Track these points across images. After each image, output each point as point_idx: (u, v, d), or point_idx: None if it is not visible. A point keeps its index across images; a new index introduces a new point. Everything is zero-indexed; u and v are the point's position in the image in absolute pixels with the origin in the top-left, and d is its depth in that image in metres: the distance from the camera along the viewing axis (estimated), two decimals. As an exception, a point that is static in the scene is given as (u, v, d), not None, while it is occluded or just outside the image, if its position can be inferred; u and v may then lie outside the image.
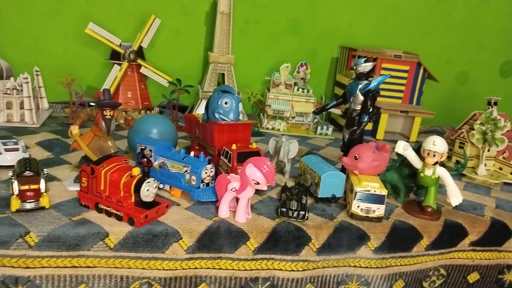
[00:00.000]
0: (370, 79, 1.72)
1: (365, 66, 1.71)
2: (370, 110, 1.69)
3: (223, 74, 2.72)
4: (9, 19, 2.58)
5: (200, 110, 2.61)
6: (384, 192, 1.52)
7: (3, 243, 1.22)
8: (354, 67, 1.74)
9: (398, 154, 1.72)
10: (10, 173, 1.40)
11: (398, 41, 3.15)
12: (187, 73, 2.81)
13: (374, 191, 1.51)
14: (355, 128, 1.75)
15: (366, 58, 1.73)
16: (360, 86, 1.71)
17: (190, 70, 2.91)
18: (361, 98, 1.71)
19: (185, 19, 2.82)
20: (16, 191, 1.34)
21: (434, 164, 1.58)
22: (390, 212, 1.65)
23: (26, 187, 1.33)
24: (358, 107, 1.73)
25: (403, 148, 1.64)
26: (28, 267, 1.23)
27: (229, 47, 2.64)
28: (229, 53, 2.66)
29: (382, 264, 1.55)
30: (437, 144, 1.55)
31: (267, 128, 2.70)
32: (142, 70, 2.55)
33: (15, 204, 1.32)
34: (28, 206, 1.33)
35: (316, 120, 2.77)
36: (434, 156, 1.56)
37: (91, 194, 1.39)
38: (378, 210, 1.53)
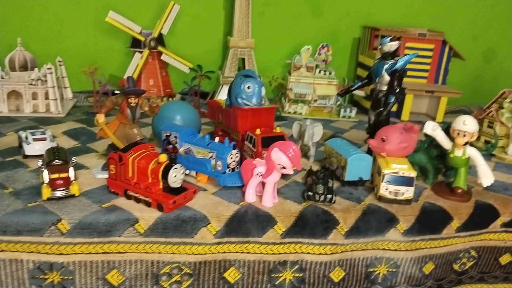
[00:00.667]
0: (396, 58, 1.68)
1: (391, 45, 1.67)
2: (397, 90, 1.65)
3: (243, 59, 2.70)
4: (31, 11, 2.60)
5: (221, 96, 2.61)
6: (413, 174, 1.49)
7: (37, 230, 1.25)
8: (379, 47, 1.69)
9: (426, 135, 1.68)
10: (40, 162, 1.43)
11: (422, 19, 3.06)
12: (207, 59, 2.80)
13: (403, 173, 1.49)
14: (382, 109, 1.71)
15: (391, 37, 1.68)
16: (385, 66, 1.67)
17: (210, 55, 2.89)
18: (387, 78, 1.67)
19: (204, 4, 2.80)
20: (46, 180, 1.37)
21: (464, 145, 1.53)
22: (418, 194, 1.62)
23: (56, 175, 1.35)
24: (384, 88, 1.70)
25: (432, 128, 1.59)
26: (61, 254, 1.26)
27: (249, 31, 2.61)
28: (249, 37, 2.63)
29: (411, 247, 1.53)
30: (467, 124, 1.51)
31: (289, 112, 2.68)
32: (163, 57, 2.55)
33: (46, 192, 1.34)
34: (59, 194, 1.35)
35: (338, 102, 2.72)
36: (464, 136, 1.52)
37: (119, 181, 1.40)
38: (407, 192, 1.51)
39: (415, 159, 1.69)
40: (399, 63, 1.64)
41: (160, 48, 2.52)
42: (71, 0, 2.63)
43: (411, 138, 1.58)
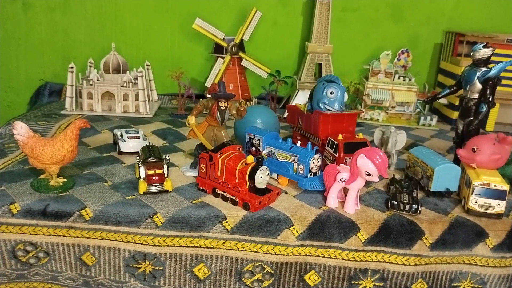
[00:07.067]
0: (489, 66, 1.61)
1: (484, 52, 1.60)
2: (490, 99, 1.58)
3: (320, 64, 2.71)
4: (123, 18, 2.81)
5: (297, 101, 2.63)
6: (505, 187, 1.42)
7: (134, 222, 1.35)
8: (471, 53, 1.63)
9: (519, 147, 1.59)
10: (137, 159, 1.54)
11: (511, 24, 2.88)
12: (284, 64, 2.85)
13: (495, 186, 1.42)
14: (472, 118, 1.65)
15: (485, 44, 1.61)
16: (478, 73, 1.60)
17: (286, 61, 2.93)
18: (479, 86, 1.61)
19: (283, 11, 2.85)
20: (143, 175, 1.47)
21: None
22: (509, 209, 1.54)
23: (152, 171, 1.45)
24: (475, 96, 1.63)
25: (528, 140, 1.51)
26: (154, 245, 1.36)
27: (327, 36, 2.61)
28: (327, 43, 2.63)
29: (500, 264, 1.45)
30: None
31: (365, 119, 2.64)
32: (243, 62, 2.62)
33: (143, 187, 1.45)
34: (154, 189, 1.45)
35: (418, 110, 2.64)
36: None
37: (208, 179, 1.48)
38: (499, 206, 1.44)
39: (506, 172, 1.61)
40: (493, 71, 1.57)
41: (241, 54, 2.60)
42: (159, 9, 2.80)
43: (504, 149, 1.51)
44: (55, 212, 1.35)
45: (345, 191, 1.48)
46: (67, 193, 1.44)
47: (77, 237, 1.36)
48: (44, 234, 1.35)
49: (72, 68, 2.35)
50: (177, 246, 1.36)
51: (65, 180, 1.50)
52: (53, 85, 2.85)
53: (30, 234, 1.35)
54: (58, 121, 2.21)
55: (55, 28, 2.83)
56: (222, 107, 1.54)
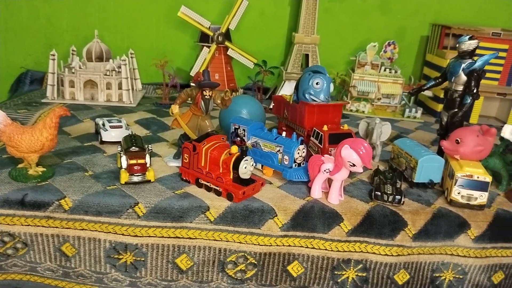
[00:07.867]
0: (474, 58, 1.62)
1: (469, 44, 1.61)
2: (475, 91, 1.59)
3: (306, 55, 2.69)
4: (107, 5, 2.75)
5: (283, 92, 2.61)
6: (488, 178, 1.43)
7: (115, 212, 1.33)
8: (457, 45, 1.63)
9: (501, 139, 1.61)
10: (119, 148, 1.51)
11: (497, 17, 2.90)
12: (270, 54, 2.82)
13: (478, 177, 1.43)
14: (456, 110, 1.65)
15: (470, 36, 1.62)
16: (463, 65, 1.61)
17: (273, 51, 2.91)
18: (464, 78, 1.62)
19: (270, 0, 2.82)
20: (124, 165, 1.44)
21: (545, 151, 1.45)
22: (491, 200, 1.56)
23: (134, 161, 1.42)
24: (460, 88, 1.64)
25: (510, 132, 1.52)
26: (136, 236, 1.33)
27: (315, 27, 2.60)
28: (314, 33, 2.61)
29: (481, 254, 1.47)
30: (550, 129, 1.43)
31: (351, 110, 2.64)
32: (230, 52, 2.59)
33: (124, 177, 1.42)
34: (136, 179, 1.43)
35: (403, 102, 2.65)
36: (546, 141, 1.43)
37: (192, 169, 1.46)
38: (481, 197, 1.45)
39: (489, 163, 1.63)
40: (478, 63, 1.58)
41: (227, 43, 2.57)
42: (144, -5, 2.75)
43: (487, 141, 1.52)
44: (34, 202, 1.32)
45: (329, 181, 1.47)
46: (46, 182, 1.41)
47: (57, 227, 1.33)
48: (22, 225, 1.32)
49: (53, 55, 2.29)
50: (159, 237, 1.34)
51: (45, 169, 1.46)
52: (35, 73, 2.78)
53: (8, 224, 1.32)
54: (39, 110, 2.16)
55: (36, 14, 2.75)
56: (206, 96, 1.52)
